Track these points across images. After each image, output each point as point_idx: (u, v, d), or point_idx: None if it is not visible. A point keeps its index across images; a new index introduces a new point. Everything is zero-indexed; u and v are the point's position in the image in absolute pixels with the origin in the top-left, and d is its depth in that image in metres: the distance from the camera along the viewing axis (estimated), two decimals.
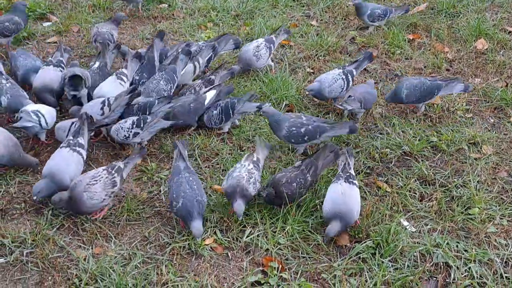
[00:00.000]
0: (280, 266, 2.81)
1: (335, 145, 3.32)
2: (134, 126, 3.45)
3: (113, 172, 3.03)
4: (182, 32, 4.94)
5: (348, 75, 3.92)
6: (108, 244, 2.95)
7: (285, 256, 2.90)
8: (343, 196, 2.93)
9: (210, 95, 3.77)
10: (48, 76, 3.83)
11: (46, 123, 3.49)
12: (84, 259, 2.83)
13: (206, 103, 3.73)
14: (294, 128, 3.42)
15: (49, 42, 4.72)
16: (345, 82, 3.89)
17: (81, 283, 2.71)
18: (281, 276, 2.77)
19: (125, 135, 3.48)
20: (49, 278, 2.75)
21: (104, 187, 2.97)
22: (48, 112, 3.53)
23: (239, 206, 2.96)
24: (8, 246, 2.88)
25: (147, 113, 3.59)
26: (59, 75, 3.83)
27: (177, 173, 3.04)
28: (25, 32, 4.75)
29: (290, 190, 3.02)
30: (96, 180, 2.96)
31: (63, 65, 3.97)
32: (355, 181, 3.04)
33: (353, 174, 3.09)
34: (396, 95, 3.80)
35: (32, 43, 4.70)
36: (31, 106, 3.54)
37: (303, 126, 3.43)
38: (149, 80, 3.89)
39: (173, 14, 5.22)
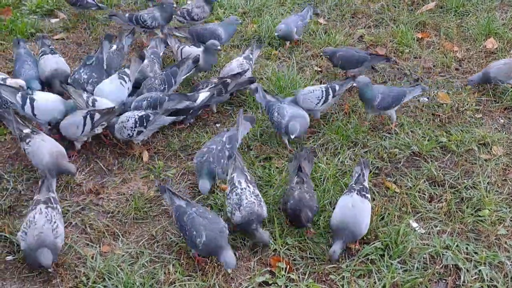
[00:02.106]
0: (288, 266, 2.80)
1: (296, 152, 3.26)
2: (137, 125, 3.44)
3: (54, 205, 2.85)
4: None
5: (330, 90, 3.73)
6: (115, 243, 2.95)
7: (292, 257, 2.88)
8: (353, 209, 2.85)
9: (204, 95, 3.73)
10: (53, 61, 3.91)
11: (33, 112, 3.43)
12: (92, 257, 2.83)
13: (197, 102, 3.69)
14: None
15: (57, 39, 4.71)
16: (323, 96, 3.69)
17: (88, 281, 2.71)
18: (289, 276, 2.76)
19: (128, 134, 3.47)
20: (57, 276, 2.75)
21: (62, 223, 2.83)
22: (43, 103, 3.47)
23: (265, 233, 2.86)
24: (16, 243, 2.87)
25: (158, 109, 3.58)
26: (62, 60, 3.96)
27: (183, 213, 2.82)
28: (33, 29, 4.75)
29: (313, 199, 2.98)
30: (56, 221, 2.75)
31: (57, 53, 4.05)
32: (368, 195, 2.96)
33: (367, 186, 3.01)
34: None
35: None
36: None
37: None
38: (149, 77, 3.89)
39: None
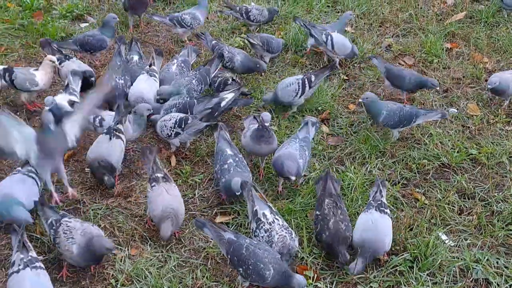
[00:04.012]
0: (315, 275, 2.78)
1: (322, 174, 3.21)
2: (176, 125, 3.48)
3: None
4: (217, 35, 4.96)
5: (306, 81, 3.85)
6: (143, 246, 2.97)
7: (320, 266, 2.87)
8: (373, 225, 2.81)
9: (228, 96, 3.76)
10: (75, 65, 3.97)
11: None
12: (121, 260, 2.86)
13: (222, 104, 3.73)
14: None
15: None
16: (300, 89, 3.83)
17: (117, 284, 2.75)
18: (316, 285, 2.75)
19: (168, 134, 3.51)
20: (86, 277, 2.79)
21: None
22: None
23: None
24: (47, 244, 2.93)
25: (189, 113, 3.63)
26: (80, 61, 4.06)
27: (239, 246, 2.68)
28: (64, 33, 4.84)
29: (349, 229, 2.90)
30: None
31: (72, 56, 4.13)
32: (387, 210, 2.92)
33: (385, 202, 2.96)
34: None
35: None
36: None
37: None
38: (182, 75, 3.94)
39: (207, 18, 5.23)
